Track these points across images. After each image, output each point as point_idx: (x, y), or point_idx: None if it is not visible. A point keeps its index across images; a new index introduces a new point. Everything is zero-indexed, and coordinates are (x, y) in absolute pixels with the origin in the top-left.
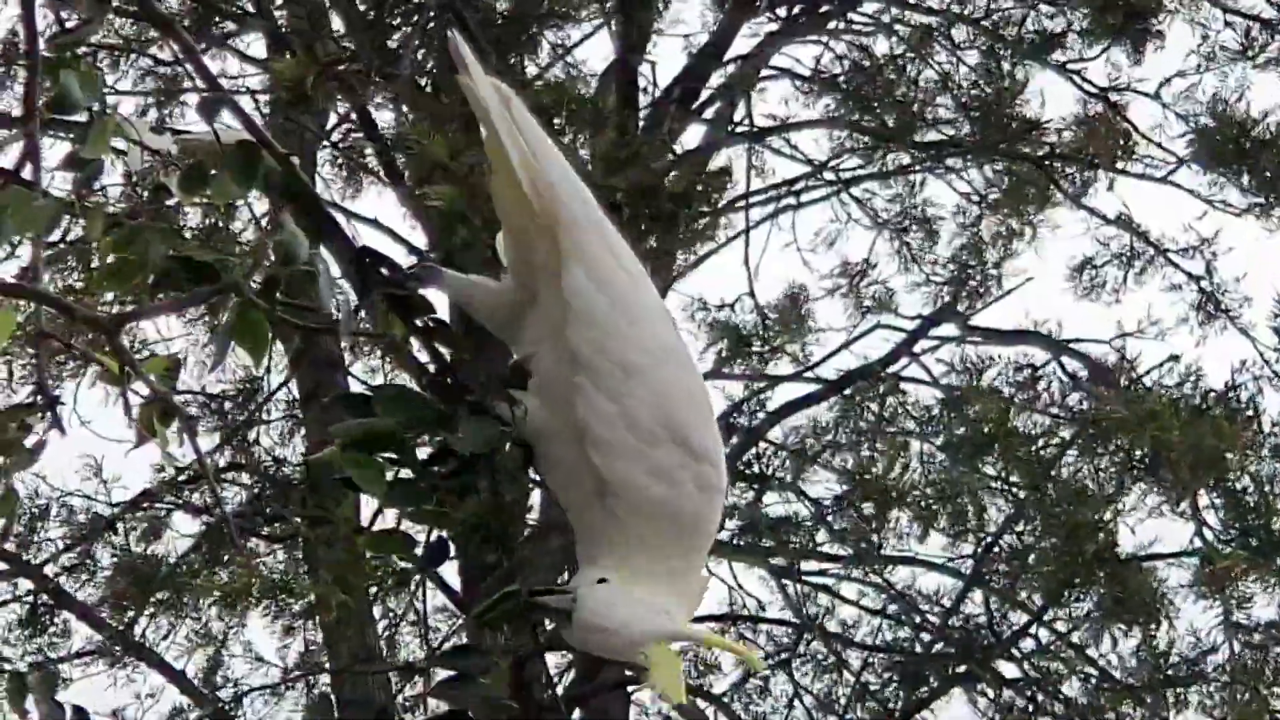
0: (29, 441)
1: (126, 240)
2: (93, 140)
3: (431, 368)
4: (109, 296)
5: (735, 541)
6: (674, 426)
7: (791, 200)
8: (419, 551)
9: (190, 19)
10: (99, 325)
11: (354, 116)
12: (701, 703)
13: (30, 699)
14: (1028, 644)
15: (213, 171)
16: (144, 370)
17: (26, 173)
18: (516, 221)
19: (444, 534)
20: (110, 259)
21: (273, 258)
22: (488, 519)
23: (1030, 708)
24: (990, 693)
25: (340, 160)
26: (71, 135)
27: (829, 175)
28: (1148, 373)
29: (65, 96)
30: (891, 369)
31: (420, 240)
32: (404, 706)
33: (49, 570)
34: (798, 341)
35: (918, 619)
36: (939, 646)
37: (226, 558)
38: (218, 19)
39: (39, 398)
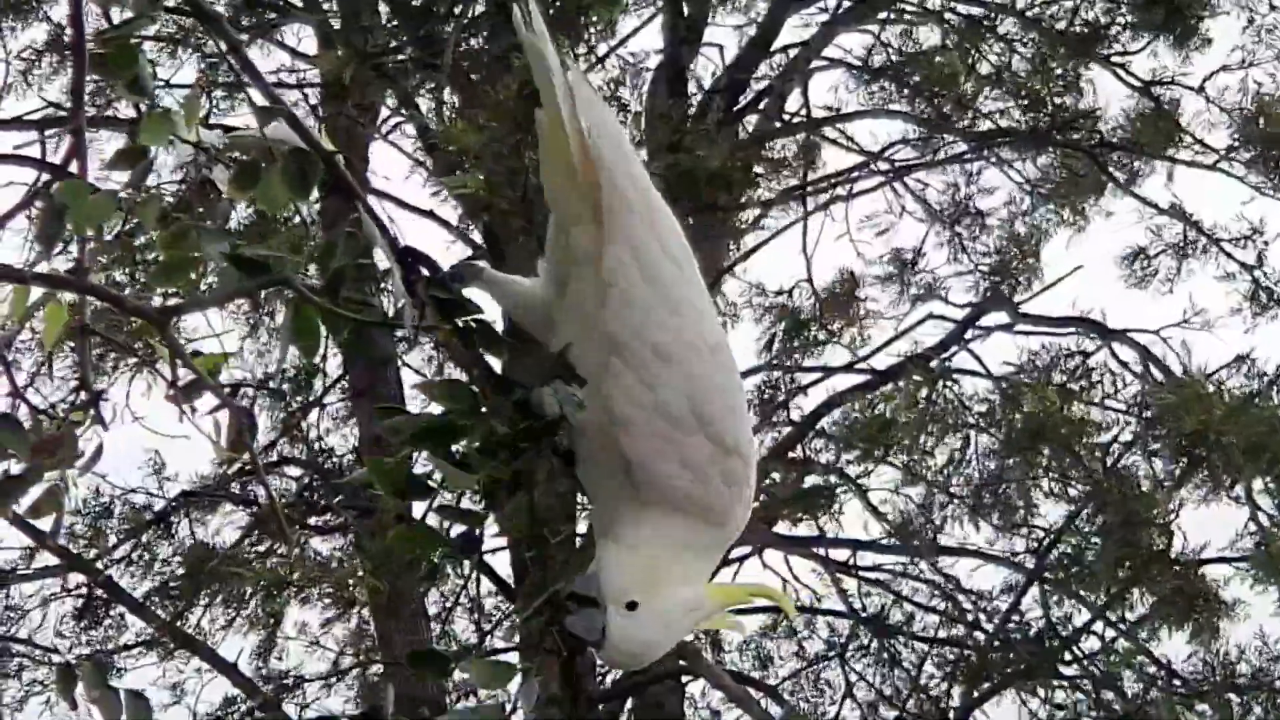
0: (83, 443)
1: (178, 237)
2: (148, 130)
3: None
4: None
5: (789, 532)
6: (706, 418)
7: (844, 190)
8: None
9: (238, 12)
10: (149, 318)
11: (403, 109)
12: (756, 694)
13: (81, 688)
14: (1089, 642)
15: (263, 165)
16: (198, 365)
17: (74, 168)
18: (564, 203)
19: (475, 530)
20: (163, 255)
21: (333, 253)
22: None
23: (1092, 707)
24: (1045, 692)
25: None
26: (118, 132)
27: (882, 165)
28: (1208, 369)
29: (137, 81)
30: (943, 357)
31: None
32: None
33: (102, 564)
34: (853, 327)
35: (973, 615)
36: (996, 643)
37: (276, 548)
38: (265, 11)
39: (82, 394)
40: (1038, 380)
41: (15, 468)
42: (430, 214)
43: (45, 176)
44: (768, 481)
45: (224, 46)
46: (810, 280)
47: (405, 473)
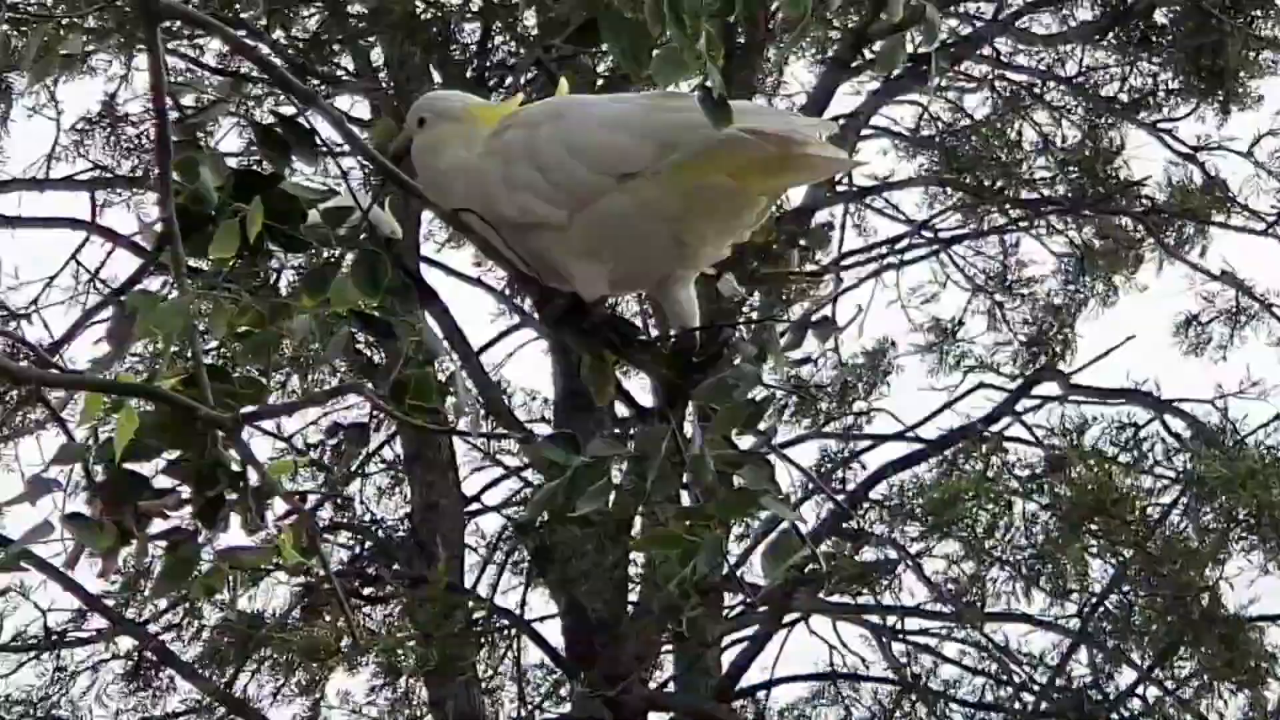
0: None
1: (261, 318)
2: (220, 241)
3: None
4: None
5: (834, 597)
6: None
7: (891, 259)
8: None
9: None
10: (220, 425)
11: None
12: None
13: None
14: (1134, 704)
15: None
16: (269, 472)
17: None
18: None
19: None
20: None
21: (397, 364)
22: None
23: None
24: None
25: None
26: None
27: (927, 234)
28: (1252, 432)
29: (200, 193)
30: (993, 428)
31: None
32: None
33: (153, 628)
34: (880, 399)
35: (1020, 678)
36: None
37: (328, 616)
38: (317, 81)
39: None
40: (1086, 450)
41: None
42: (478, 281)
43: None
44: (823, 550)
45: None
46: (837, 350)
47: None
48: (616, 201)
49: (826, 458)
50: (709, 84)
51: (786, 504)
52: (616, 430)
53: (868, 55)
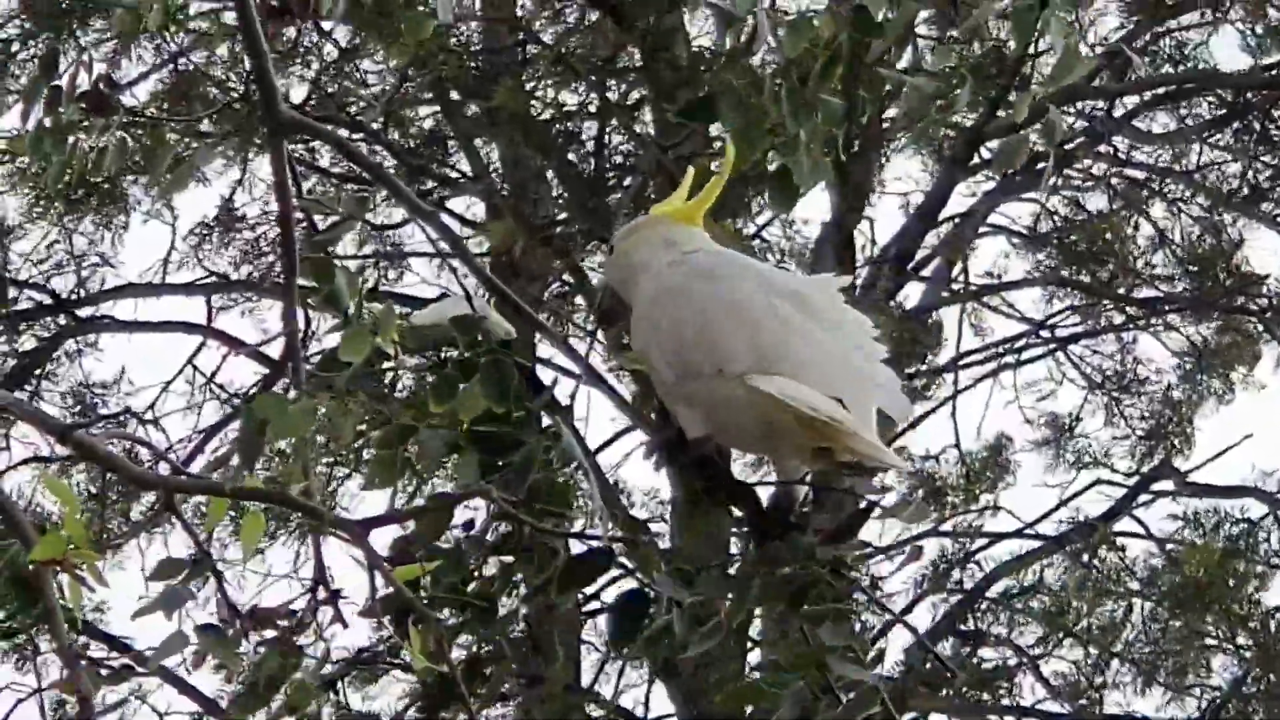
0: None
1: (390, 436)
2: (349, 345)
3: None
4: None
5: (951, 696)
6: None
7: (1008, 359)
8: None
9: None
10: (348, 530)
11: (572, 279)
12: None
13: None
14: None
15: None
16: (395, 577)
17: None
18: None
19: None
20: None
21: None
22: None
23: None
24: None
25: (559, 321)
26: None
27: (1044, 333)
28: None
29: (333, 296)
30: (1110, 525)
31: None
32: None
33: None
34: (996, 493)
35: None
36: None
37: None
38: (433, 182)
39: (319, 591)
40: (1200, 545)
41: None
42: (603, 383)
43: (216, 345)
44: (944, 650)
45: (444, 241)
46: (958, 445)
47: None
48: (713, 388)
49: (944, 557)
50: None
51: (859, 663)
52: (735, 530)
53: (984, 155)
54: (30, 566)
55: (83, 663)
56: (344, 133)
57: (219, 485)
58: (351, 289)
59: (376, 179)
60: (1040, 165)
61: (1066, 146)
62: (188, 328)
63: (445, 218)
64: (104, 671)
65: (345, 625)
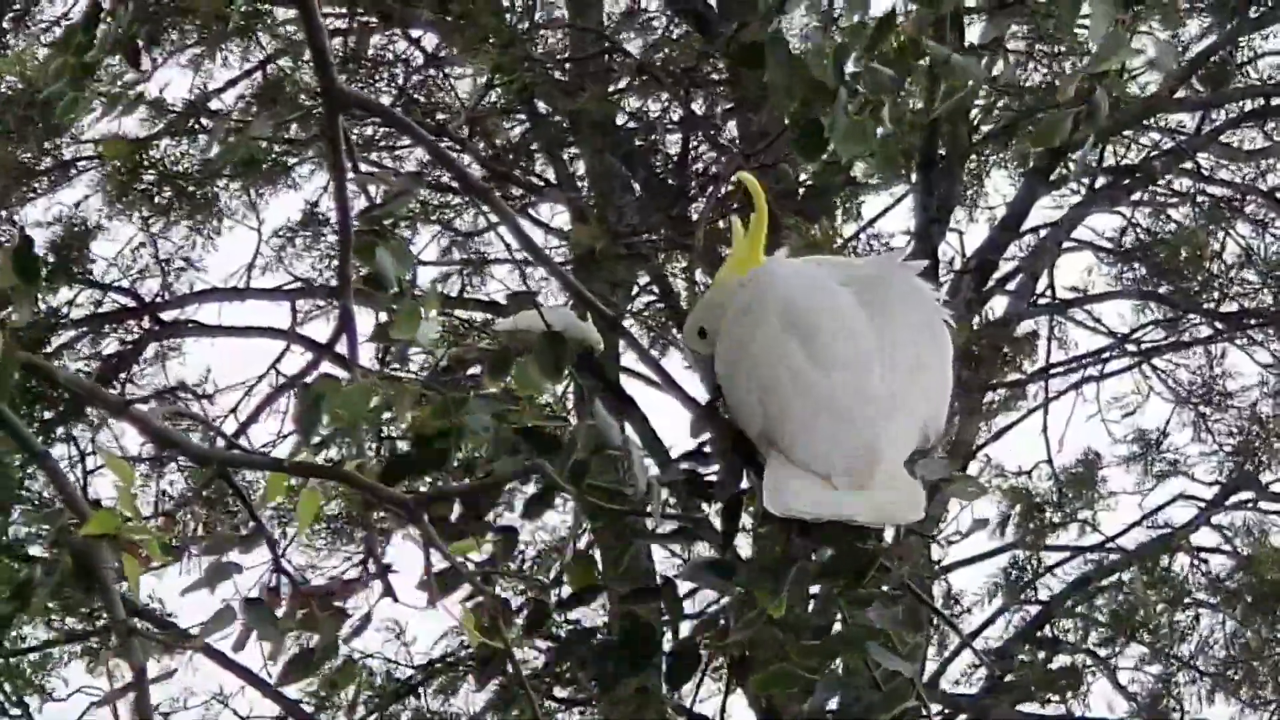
0: (355, 609)
1: (439, 412)
2: (400, 324)
3: None
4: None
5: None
6: None
7: (1094, 371)
8: None
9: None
10: (403, 506)
11: (654, 286)
12: None
13: None
14: None
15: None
16: (452, 552)
17: (342, 345)
18: None
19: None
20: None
21: (575, 446)
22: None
23: None
24: None
25: (649, 329)
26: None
27: (1130, 346)
28: None
29: (379, 274)
30: (1191, 537)
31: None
32: None
33: None
34: (1092, 510)
35: None
36: None
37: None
38: (519, 189)
39: (370, 566)
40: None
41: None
42: (681, 391)
43: (300, 350)
44: (1016, 660)
45: (498, 218)
46: (1050, 461)
47: None
48: None
49: (1015, 564)
50: None
51: (895, 652)
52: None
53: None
54: (84, 541)
55: (135, 636)
56: (428, 137)
57: (274, 460)
58: (402, 264)
59: (433, 155)
60: (1126, 181)
61: (1154, 161)
62: (272, 333)
63: (525, 223)
64: (156, 643)
65: (395, 599)
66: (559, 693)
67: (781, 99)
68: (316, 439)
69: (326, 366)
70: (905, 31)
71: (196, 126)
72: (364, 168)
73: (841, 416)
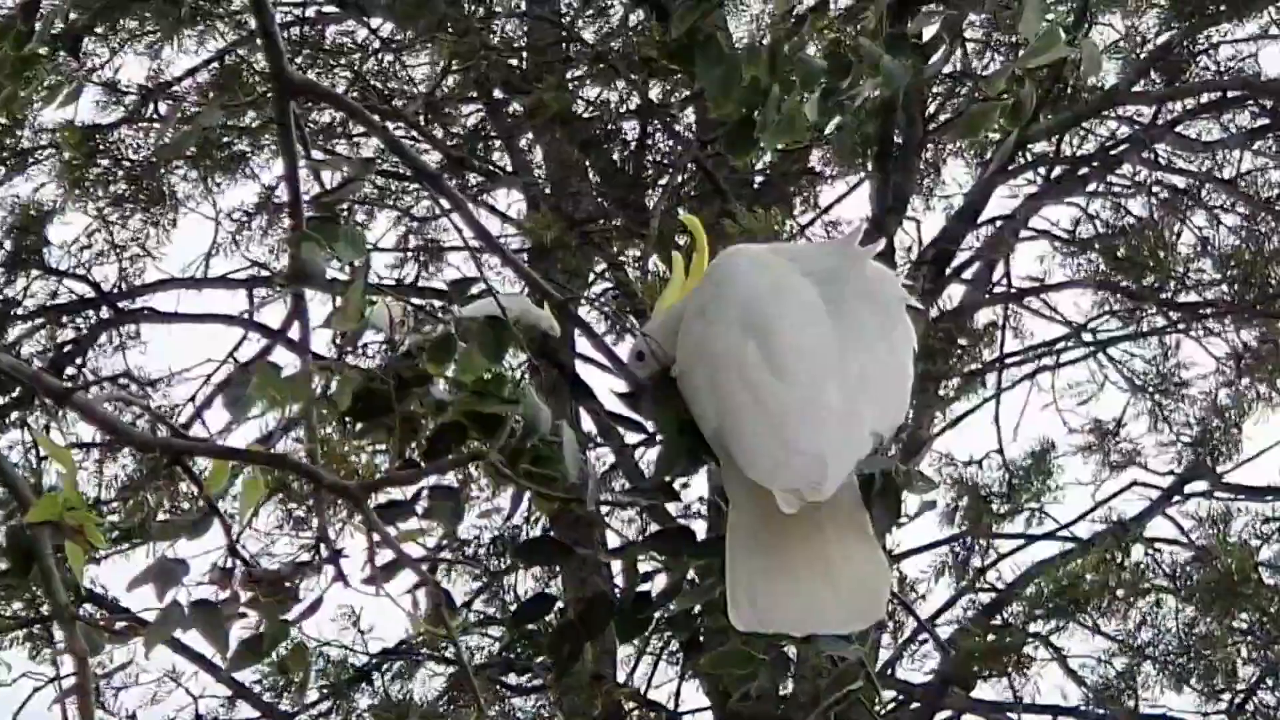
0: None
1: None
2: (344, 316)
3: None
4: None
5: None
6: None
7: (1048, 361)
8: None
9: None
10: (346, 493)
11: (609, 274)
12: None
13: None
14: None
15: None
16: (396, 541)
17: (294, 331)
18: None
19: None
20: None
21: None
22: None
23: None
24: None
25: (605, 317)
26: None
27: (1086, 336)
28: None
29: (308, 272)
30: (1145, 526)
31: None
32: None
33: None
34: (1043, 501)
35: None
36: None
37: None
38: (476, 176)
39: (321, 551)
40: (1229, 542)
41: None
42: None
43: (254, 337)
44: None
45: (448, 203)
46: (1001, 450)
47: None
48: None
49: (966, 548)
50: None
51: (846, 640)
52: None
53: (1025, 158)
54: (25, 527)
55: (80, 624)
56: (377, 122)
57: (218, 447)
58: (355, 250)
59: (383, 141)
60: (1082, 171)
61: (1111, 152)
62: (228, 320)
63: (479, 211)
64: (106, 632)
65: (346, 584)
66: (511, 680)
67: (718, 99)
68: (275, 428)
69: (280, 353)
70: (831, 26)
71: (155, 117)
72: (318, 155)
73: (792, 430)
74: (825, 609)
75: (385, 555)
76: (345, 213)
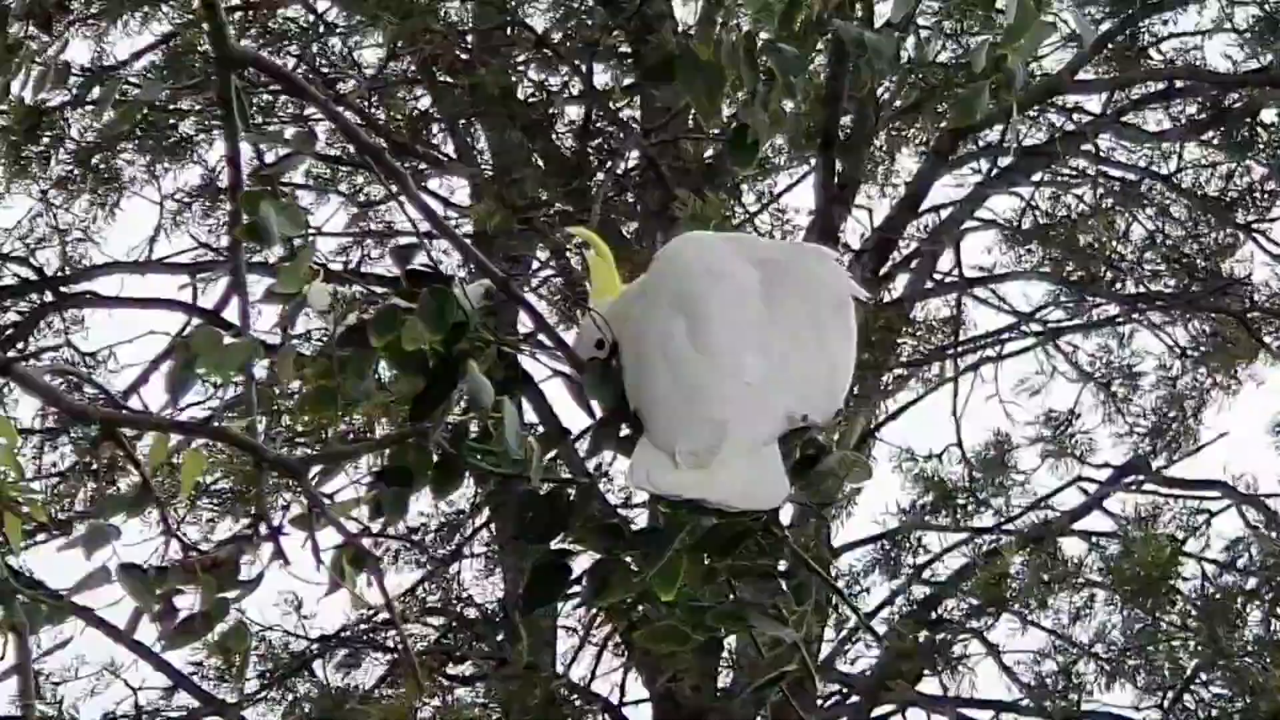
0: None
1: (326, 373)
2: (286, 278)
3: None
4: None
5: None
6: None
7: (994, 351)
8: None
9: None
10: (288, 468)
11: (552, 262)
12: None
13: None
14: None
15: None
16: (333, 512)
17: (233, 305)
18: None
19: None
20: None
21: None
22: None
23: None
24: None
25: (549, 303)
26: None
27: (1034, 326)
28: None
29: (260, 228)
30: (1084, 520)
31: None
32: None
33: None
34: (1003, 495)
35: None
36: None
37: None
38: (418, 162)
39: (260, 528)
40: (1155, 534)
41: (200, 605)
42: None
43: (197, 322)
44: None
45: (390, 180)
46: (960, 444)
47: None
48: None
49: (905, 544)
50: None
51: (782, 623)
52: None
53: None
54: None
55: (19, 598)
56: (320, 96)
57: (158, 419)
58: (293, 224)
59: (326, 115)
60: (1030, 158)
61: (1056, 142)
62: (171, 304)
63: (423, 195)
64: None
65: (287, 562)
66: (451, 670)
67: (704, 107)
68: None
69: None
70: (812, 5)
71: (97, 100)
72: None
73: (695, 395)
74: (718, 485)
75: (328, 535)
76: (288, 194)
